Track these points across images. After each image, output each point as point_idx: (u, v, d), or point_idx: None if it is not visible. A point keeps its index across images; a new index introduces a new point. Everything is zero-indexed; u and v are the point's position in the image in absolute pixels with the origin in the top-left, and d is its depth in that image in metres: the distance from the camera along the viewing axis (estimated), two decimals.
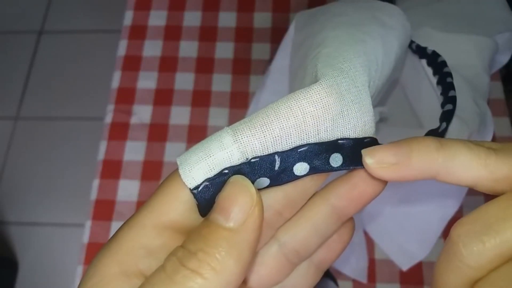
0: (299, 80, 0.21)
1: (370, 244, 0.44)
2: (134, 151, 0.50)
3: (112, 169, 0.49)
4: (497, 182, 0.15)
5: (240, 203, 0.15)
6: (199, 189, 0.16)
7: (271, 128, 0.16)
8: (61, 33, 1.31)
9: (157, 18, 0.57)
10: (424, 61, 0.30)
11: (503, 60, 0.43)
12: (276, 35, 0.54)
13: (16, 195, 1.13)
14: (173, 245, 0.16)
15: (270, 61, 0.51)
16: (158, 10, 0.57)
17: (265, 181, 0.17)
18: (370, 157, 0.16)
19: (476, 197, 0.43)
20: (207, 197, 0.16)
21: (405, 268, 0.42)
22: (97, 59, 1.24)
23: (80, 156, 1.14)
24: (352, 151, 0.17)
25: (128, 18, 0.57)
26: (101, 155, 0.50)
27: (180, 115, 0.51)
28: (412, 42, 0.31)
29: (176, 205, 0.16)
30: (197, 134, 0.50)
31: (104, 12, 1.30)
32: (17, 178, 1.15)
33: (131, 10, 0.57)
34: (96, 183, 0.49)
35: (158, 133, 0.50)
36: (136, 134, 0.50)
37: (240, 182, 0.16)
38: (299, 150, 0.16)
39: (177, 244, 0.16)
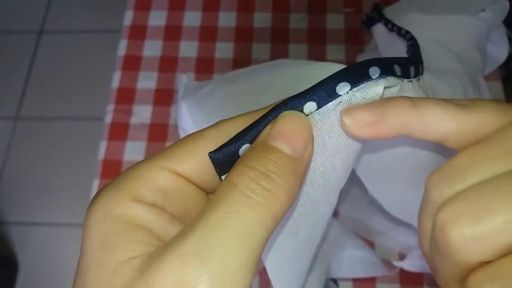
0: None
1: (370, 244, 0.44)
2: (134, 151, 0.50)
3: (112, 169, 0.49)
4: (465, 136, 0.16)
5: (303, 135, 0.16)
6: (216, 153, 0.17)
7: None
8: (61, 33, 1.31)
9: (157, 18, 0.57)
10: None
11: (500, 57, 0.43)
12: (276, 35, 0.54)
13: (16, 195, 1.13)
14: (187, 190, 0.17)
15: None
16: (158, 10, 0.57)
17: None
18: (347, 117, 0.17)
19: None
20: (220, 158, 0.17)
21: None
22: (97, 59, 1.24)
23: (80, 156, 1.14)
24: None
25: (128, 18, 0.57)
26: (101, 155, 0.50)
27: None
28: (388, 21, 0.33)
29: (192, 161, 0.17)
30: None
31: (104, 12, 1.30)
32: (17, 178, 1.15)
33: (131, 10, 0.57)
34: (96, 183, 0.49)
35: (158, 133, 0.50)
36: (136, 134, 0.50)
37: (302, 117, 0.17)
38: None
39: (192, 191, 0.17)
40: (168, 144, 0.50)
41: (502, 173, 0.15)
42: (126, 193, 0.16)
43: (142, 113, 0.51)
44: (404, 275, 0.42)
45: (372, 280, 0.43)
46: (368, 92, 0.17)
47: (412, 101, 0.17)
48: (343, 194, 0.45)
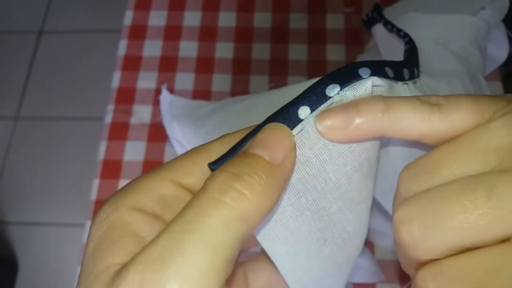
0: None
1: (369, 244, 0.44)
2: (134, 151, 0.50)
3: (112, 169, 0.49)
4: (439, 135, 0.17)
5: (283, 144, 0.17)
6: (217, 163, 0.18)
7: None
8: (61, 33, 1.31)
9: (157, 18, 0.57)
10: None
11: (500, 57, 0.43)
12: (276, 35, 0.54)
13: (16, 195, 1.13)
14: (188, 199, 0.17)
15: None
16: (158, 10, 0.57)
17: None
18: (319, 124, 0.17)
19: None
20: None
21: None
22: (97, 59, 1.24)
23: (80, 156, 1.14)
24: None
25: (128, 18, 0.57)
26: (101, 155, 0.50)
27: None
28: (387, 22, 0.33)
29: (196, 173, 0.18)
30: None
31: (104, 12, 1.30)
32: (17, 178, 1.15)
33: (131, 10, 0.57)
34: (96, 183, 0.49)
35: (158, 133, 0.50)
36: (136, 134, 0.50)
37: (283, 127, 0.17)
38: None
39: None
40: (168, 144, 0.50)
41: (461, 177, 0.15)
42: (126, 200, 0.17)
43: (142, 113, 0.51)
44: (404, 276, 0.42)
45: None
46: (358, 90, 0.17)
47: (385, 104, 0.17)
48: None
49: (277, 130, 0.17)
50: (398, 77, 0.19)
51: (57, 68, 1.26)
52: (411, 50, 0.27)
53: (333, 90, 0.17)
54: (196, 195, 0.15)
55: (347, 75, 0.18)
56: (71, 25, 1.31)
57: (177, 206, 0.17)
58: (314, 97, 0.17)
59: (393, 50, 0.36)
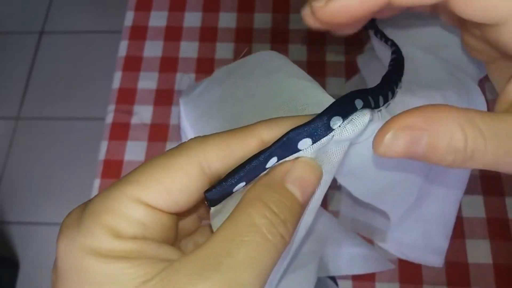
0: None
1: (369, 243, 0.44)
2: (135, 151, 0.50)
3: (112, 169, 0.49)
4: None
5: (314, 186, 0.18)
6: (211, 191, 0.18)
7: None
8: (62, 33, 1.31)
9: (158, 19, 0.57)
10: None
11: None
12: (276, 36, 0.55)
13: (16, 195, 1.14)
14: (162, 218, 0.17)
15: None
16: (159, 10, 0.57)
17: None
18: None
19: (475, 196, 0.43)
20: (215, 197, 0.18)
21: (439, 264, 0.41)
22: (97, 60, 1.24)
23: (80, 156, 1.14)
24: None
25: (129, 18, 0.57)
26: (101, 155, 0.50)
27: None
28: (377, 32, 0.33)
29: (160, 192, 0.17)
30: None
31: (105, 13, 1.30)
32: (18, 178, 1.16)
33: (132, 11, 0.58)
34: (97, 183, 0.49)
35: (158, 133, 0.51)
36: (136, 134, 0.51)
37: (318, 167, 0.18)
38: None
39: (166, 218, 0.18)
40: (168, 144, 0.50)
41: None
42: (102, 227, 0.16)
43: (143, 113, 0.52)
44: (404, 275, 0.43)
45: (372, 279, 0.43)
46: (357, 124, 0.18)
47: None
48: (344, 195, 0.45)
49: (314, 170, 0.18)
50: (376, 105, 0.21)
51: (58, 68, 1.26)
52: (394, 64, 0.27)
53: (337, 123, 0.18)
54: (244, 228, 0.16)
55: (347, 107, 0.18)
56: (72, 26, 1.31)
57: (155, 226, 0.17)
58: (319, 130, 0.18)
59: (389, 53, 0.36)
